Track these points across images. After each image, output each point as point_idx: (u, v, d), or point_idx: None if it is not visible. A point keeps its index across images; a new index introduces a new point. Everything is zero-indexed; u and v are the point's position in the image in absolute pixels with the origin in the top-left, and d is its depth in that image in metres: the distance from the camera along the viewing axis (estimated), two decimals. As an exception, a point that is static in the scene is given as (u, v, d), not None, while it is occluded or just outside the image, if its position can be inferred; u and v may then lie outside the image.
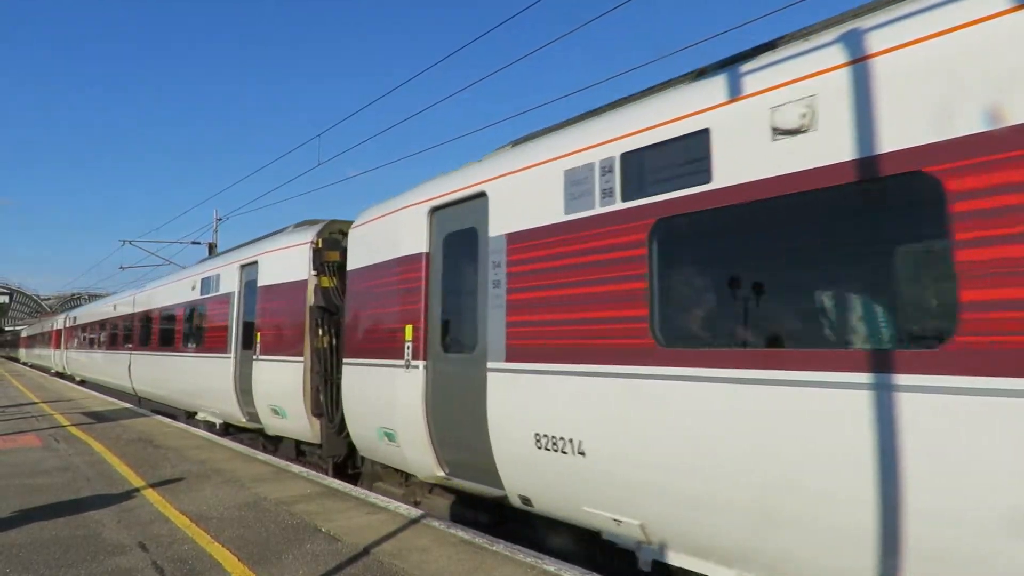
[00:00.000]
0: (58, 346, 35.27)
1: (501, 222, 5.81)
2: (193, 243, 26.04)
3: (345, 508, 6.53)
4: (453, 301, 6.47)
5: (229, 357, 11.47)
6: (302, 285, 9.53)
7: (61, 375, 33.89)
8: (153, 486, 7.46)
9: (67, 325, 32.44)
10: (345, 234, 9.09)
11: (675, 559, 4.45)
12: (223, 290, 12.25)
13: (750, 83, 4.13)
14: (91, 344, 25.90)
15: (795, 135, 3.81)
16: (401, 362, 6.85)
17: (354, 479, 8.85)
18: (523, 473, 5.43)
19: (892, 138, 3.41)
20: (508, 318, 5.59)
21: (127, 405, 17.53)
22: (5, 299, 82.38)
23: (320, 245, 9.28)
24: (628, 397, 4.53)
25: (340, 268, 9.06)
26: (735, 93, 4.19)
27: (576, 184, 5.15)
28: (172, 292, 15.61)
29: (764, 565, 3.91)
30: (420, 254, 6.81)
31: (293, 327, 9.61)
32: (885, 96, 3.46)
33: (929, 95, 3.28)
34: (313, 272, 9.28)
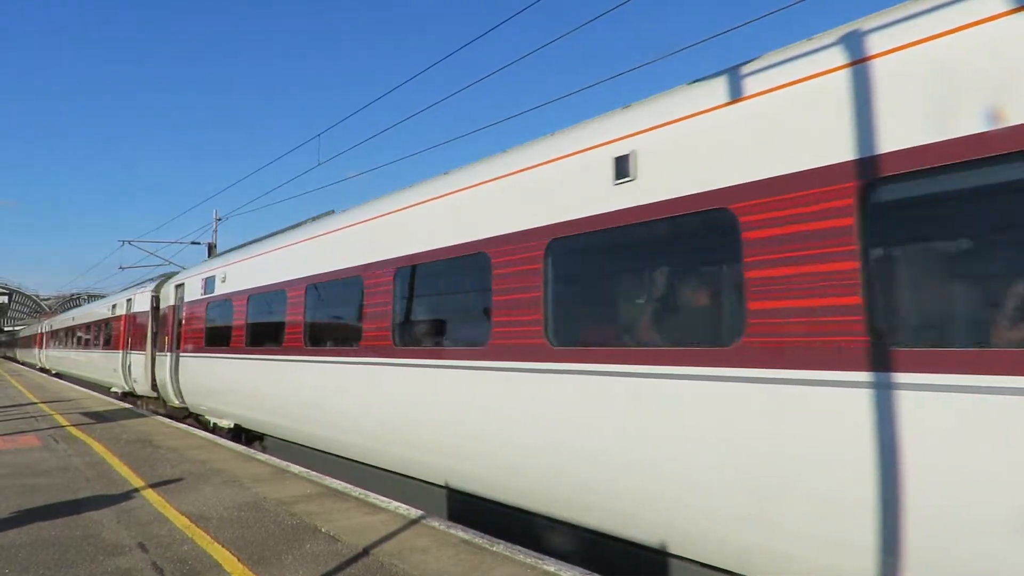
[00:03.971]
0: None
1: None
2: (193, 243, 26.01)
3: (345, 508, 6.53)
4: None
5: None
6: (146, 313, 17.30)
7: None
8: (153, 486, 7.45)
9: None
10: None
11: None
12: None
13: None
14: None
15: None
16: None
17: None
18: None
19: None
20: None
21: (126, 405, 17.54)
22: (4, 299, 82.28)
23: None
24: None
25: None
26: None
27: None
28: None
29: None
30: None
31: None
32: None
33: None
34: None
